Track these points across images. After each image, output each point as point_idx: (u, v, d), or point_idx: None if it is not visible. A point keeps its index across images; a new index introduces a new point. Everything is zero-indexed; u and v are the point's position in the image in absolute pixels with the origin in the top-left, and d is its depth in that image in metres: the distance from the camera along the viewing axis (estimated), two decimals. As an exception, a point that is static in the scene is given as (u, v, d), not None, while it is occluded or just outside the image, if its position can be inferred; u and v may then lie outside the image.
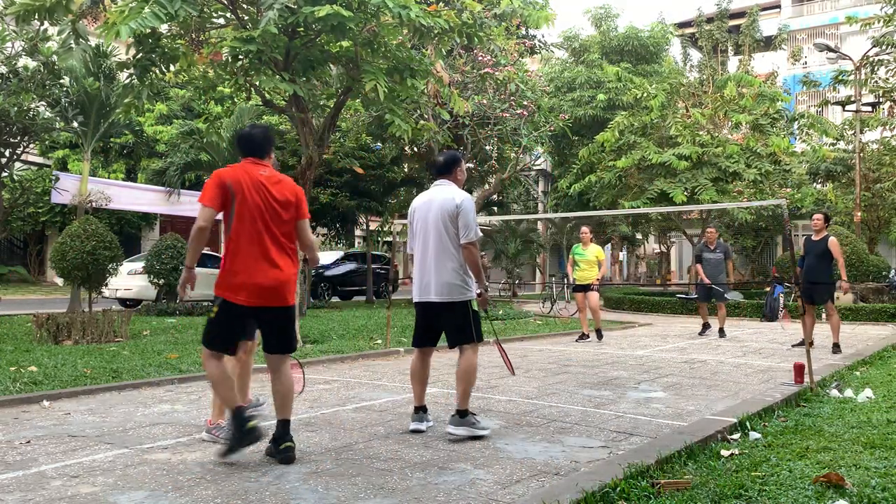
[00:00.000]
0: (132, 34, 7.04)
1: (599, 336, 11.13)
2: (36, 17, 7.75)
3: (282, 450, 4.03)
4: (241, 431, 3.89)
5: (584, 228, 11.30)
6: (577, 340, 11.14)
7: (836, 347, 9.63)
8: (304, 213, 4.25)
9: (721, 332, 11.92)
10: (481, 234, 4.88)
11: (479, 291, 4.82)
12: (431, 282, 4.67)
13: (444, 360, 8.84)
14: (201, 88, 9.74)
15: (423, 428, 4.79)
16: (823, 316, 15.71)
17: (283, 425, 4.09)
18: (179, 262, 14.70)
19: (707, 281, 11.71)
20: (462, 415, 4.67)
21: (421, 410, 4.86)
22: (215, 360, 4.10)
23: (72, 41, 8.15)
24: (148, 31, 8.29)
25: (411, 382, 4.94)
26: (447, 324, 4.76)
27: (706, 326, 12.28)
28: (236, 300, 4.01)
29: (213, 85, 9.60)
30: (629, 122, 20.43)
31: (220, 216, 4.18)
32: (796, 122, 22.87)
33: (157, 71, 8.93)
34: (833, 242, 9.60)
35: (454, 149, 18.37)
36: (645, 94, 20.50)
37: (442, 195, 4.72)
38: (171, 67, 9.05)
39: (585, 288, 11.03)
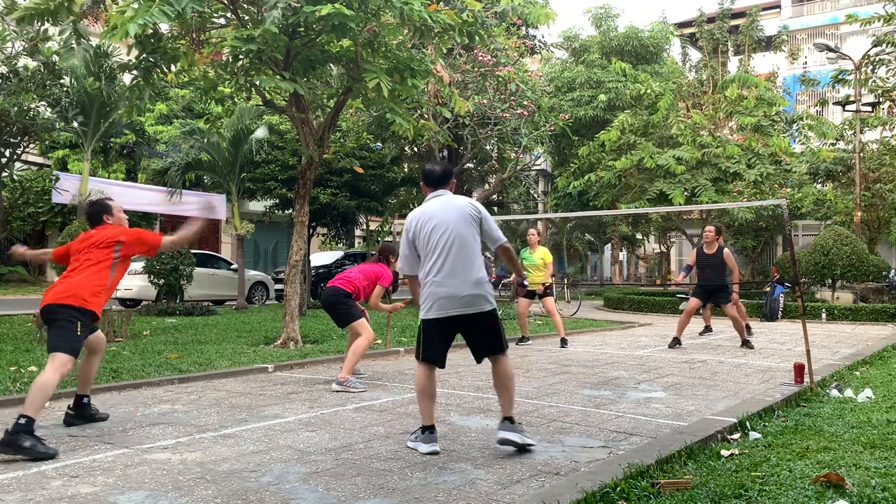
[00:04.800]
0: (139, 31, 7.05)
1: (563, 344, 10.29)
2: (37, 20, 7.78)
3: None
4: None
5: (532, 231, 10.75)
6: (517, 343, 10.59)
7: (747, 344, 10.25)
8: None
9: (749, 330, 11.97)
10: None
11: (522, 282, 4.93)
12: (459, 294, 4.30)
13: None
14: (202, 89, 9.74)
15: (438, 449, 4.30)
16: (823, 316, 15.80)
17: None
18: (180, 261, 14.71)
19: (678, 280, 11.81)
20: (511, 421, 4.40)
21: (434, 430, 4.38)
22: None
23: (73, 41, 8.15)
24: (150, 30, 8.30)
25: (423, 400, 4.44)
26: (476, 338, 4.47)
27: (707, 329, 12.29)
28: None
29: (213, 85, 9.61)
30: (631, 121, 20.43)
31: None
32: (795, 125, 22.89)
33: (159, 71, 8.93)
34: (728, 254, 10.27)
35: (454, 148, 18.42)
36: (648, 91, 20.49)
37: (456, 203, 4.48)
38: (173, 68, 9.05)
39: (532, 294, 10.46)
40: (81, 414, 5.05)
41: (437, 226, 4.38)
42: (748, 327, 11.90)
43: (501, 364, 4.45)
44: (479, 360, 4.56)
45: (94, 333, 5.07)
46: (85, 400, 5.08)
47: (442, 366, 4.48)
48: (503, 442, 4.31)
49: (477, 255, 4.40)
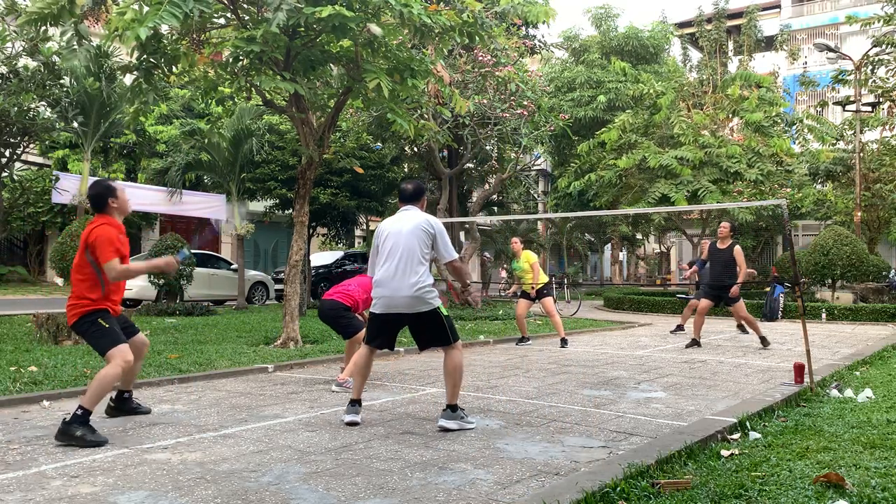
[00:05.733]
0: (149, 34, 7.07)
1: (563, 344, 10.39)
2: (40, 24, 7.80)
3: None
4: None
5: (514, 239, 10.94)
6: (517, 344, 10.69)
7: (764, 341, 10.23)
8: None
9: (742, 329, 12.12)
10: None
11: (462, 293, 5.42)
12: (397, 296, 4.93)
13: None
14: (203, 90, 9.73)
15: (358, 420, 5.04)
16: (823, 316, 15.80)
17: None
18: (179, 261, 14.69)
19: (687, 275, 11.84)
20: (453, 409, 4.97)
21: (357, 404, 5.11)
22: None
23: (75, 42, 8.16)
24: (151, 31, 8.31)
25: (356, 376, 5.16)
26: (418, 332, 5.11)
27: (680, 328, 12.38)
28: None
29: (214, 86, 9.60)
30: (632, 120, 20.42)
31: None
32: (794, 126, 22.88)
33: (160, 73, 8.93)
34: (738, 251, 10.13)
35: (454, 148, 18.45)
36: (650, 91, 20.48)
37: (415, 219, 5.09)
38: (174, 69, 9.05)
39: (528, 295, 10.64)
40: (120, 407, 5.27)
41: (389, 235, 5.07)
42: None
43: (449, 355, 5.02)
44: (420, 349, 5.32)
45: (136, 336, 5.16)
46: (126, 395, 5.28)
47: (390, 348, 5.38)
48: (440, 429, 4.88)
49: (420, 264, 4.95)
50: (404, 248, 4.97)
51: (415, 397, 6.23)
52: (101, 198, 4.90)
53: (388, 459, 4.16)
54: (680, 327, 12.61)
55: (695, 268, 11.91)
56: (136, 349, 5.14)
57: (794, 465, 3.88)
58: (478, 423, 5.11)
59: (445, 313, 5.05)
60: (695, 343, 10.30)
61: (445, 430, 4.85)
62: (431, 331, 5.03)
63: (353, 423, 4.99)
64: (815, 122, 22.27)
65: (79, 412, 4.45)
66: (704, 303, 10.35)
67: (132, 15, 6.83)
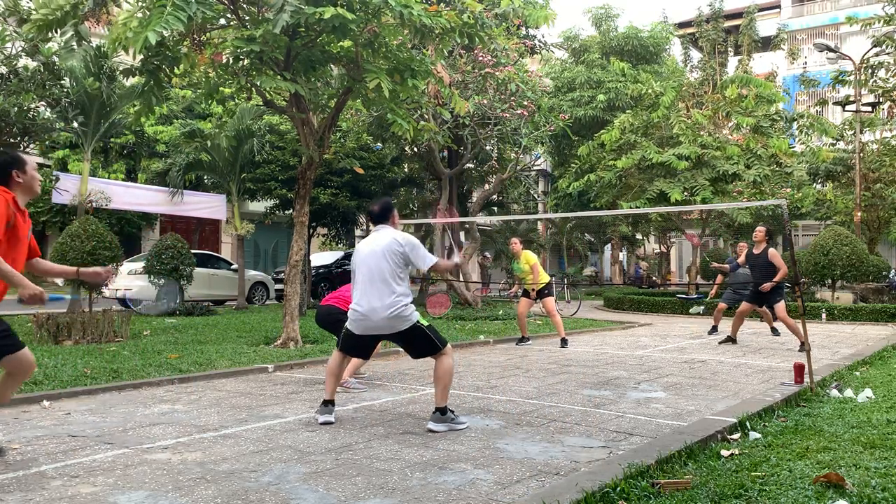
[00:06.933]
0: (158, 38, 7.07)
1: (563, 344, 10.37)
2: (45, 30, 7.83)
3: None
4: None
5: (513, 240, 10.84)
6: (517, 344, 10.65)
7: (804, 346, 9.97)
8: None
9: (774, 331, 12.04)
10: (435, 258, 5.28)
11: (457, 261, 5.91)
12: (375, 318, 4.98)
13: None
14: (206, 92, 9.73)
15: (332, 420, 5.14)
16: (823, 316, 15.79)
17: None
18: (180, 261, 14.71)
19: (722, 268, 11.82)
20: (442, 412, 4.99)
21: (330, 404, 5.21)
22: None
23: (74, 42, 8.17)
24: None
25: (328, 378, 5.26)
26: (406, 345, 5.21)
27: (715, 329, 12.25)
28: None
29: (216, 87, 9.60)
30: (632, 121, 20.43)
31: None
32: (795, 123, 22.87)
33: (163, 74, 8.94)
34: (773, 254, 9.99)
35: (454, 149, 18.45)
36: (649, 91, 20.47)
37: (386, 238, 5.15)
38: (176, 70, 9.05)
39: (529, 294, 10.60)
40: None
41: (362, 259, 5.14)
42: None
43: (440, 361, 5.08)
44: (414, 358, 5.43)
45: (15, 353, 3.94)
46: None
47: (365, 357, 5.45)
48: (428, 431, 4.91)
49: (396, 283, 4.99)
50: (377, 270, 5.03)
51: (415, 397, 6.23)
52: (2, 169, 3.98)
53: (388, 459, 4.16)
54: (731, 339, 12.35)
55: (727, 267, 11.88)
56: (10, 368, 4.01)
57: (794, 465, 3.88)
58: (478, 424, 5.11)
59: (426, 323, 5.10)
60: (730, 340, 10.68)
61: (433, 432, 4.86)
62: (419, 344, 5.11)
63: (327, 423, 5.06)
64: (815, 121, 22.27)
65: None
66: (745, 306, 10.38)
67: (137, 23, 6.85)
